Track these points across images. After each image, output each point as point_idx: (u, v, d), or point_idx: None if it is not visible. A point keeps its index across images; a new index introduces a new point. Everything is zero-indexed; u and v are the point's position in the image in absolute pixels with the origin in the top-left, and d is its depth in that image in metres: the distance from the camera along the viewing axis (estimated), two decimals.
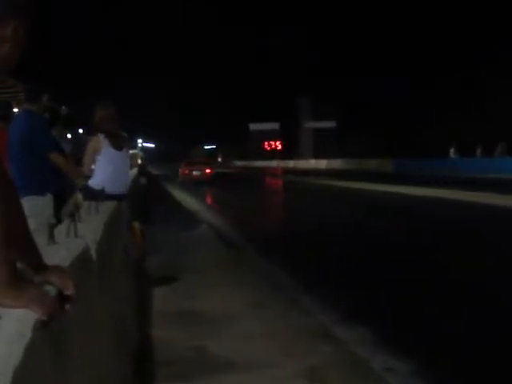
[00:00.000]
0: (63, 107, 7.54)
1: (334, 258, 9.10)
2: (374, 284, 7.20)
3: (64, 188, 5.72)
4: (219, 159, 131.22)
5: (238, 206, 19.10)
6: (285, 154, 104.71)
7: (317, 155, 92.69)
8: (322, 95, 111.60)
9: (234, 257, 8.99)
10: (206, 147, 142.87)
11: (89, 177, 5.93)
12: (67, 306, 1.58)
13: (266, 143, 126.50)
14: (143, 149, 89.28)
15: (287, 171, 50.21)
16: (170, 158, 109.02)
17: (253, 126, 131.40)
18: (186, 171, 37.82)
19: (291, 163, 78.42)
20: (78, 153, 7.27)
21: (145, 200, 16.46)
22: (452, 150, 38.43)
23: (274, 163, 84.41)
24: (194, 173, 37.43)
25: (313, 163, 70.07)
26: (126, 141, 6.26)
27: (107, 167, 5.86)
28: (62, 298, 1.57)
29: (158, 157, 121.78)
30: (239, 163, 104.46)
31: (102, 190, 5.20)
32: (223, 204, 20.50)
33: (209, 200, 23.23)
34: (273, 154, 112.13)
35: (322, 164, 64.51)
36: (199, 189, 28.46)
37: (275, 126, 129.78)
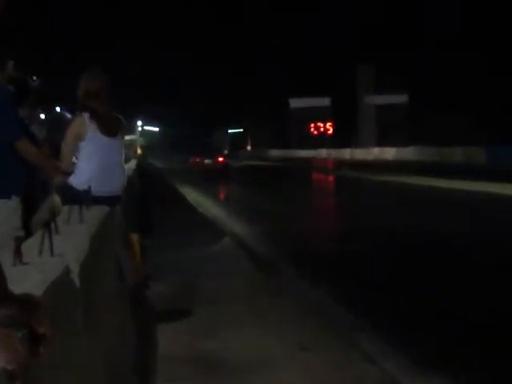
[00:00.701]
0: (34, 78, 7.57)
1: (397, 283, 9.10)
2: (448, 321, 7.23)
3: (35, 188, 5.72)
4: (248, 147, 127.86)
5: (273, 213, 19.09)
6: (338, 141, 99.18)
7: (381, 142, 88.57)
8: (388, 61, 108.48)
9: (268, 282, 8.97)
10: (229, 131, 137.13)
11: (69, 172, 5.94)
12: (42, 350, 1.55)
13: (313, 125, 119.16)
14: (144, 134, 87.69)
15: (341, 164, 49.64)
16: (181, 146, 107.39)
17: (294, 103, 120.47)
18: (197, 159, 45.78)
19: (347, 153, 77.09)
20: (55, 139, 7.30)
21: (147, 204, 16.54)
22: None
23: (323, 153, 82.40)
24: (206, 161, 45.09)
25: (376, 152, 69.27)
26: (120, 123, 6.26)
27: (94, 159, 5.87)
28: (34, 338, 1.54)
29: (164, 145, 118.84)
30: (275, 153, 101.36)
31: (88, 191, 5.19)
32: (252, 209, 20.50)
33: (232, 203, 23.32)
34: (321, 141, 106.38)
35: (389, 153, 64.06)
36: (219, 187, 28.62)
37: (325, 101, 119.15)
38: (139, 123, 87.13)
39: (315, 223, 17.14)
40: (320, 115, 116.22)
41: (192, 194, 25.23)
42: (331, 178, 38.82)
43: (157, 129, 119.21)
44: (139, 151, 44.51)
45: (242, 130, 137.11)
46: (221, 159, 45.03)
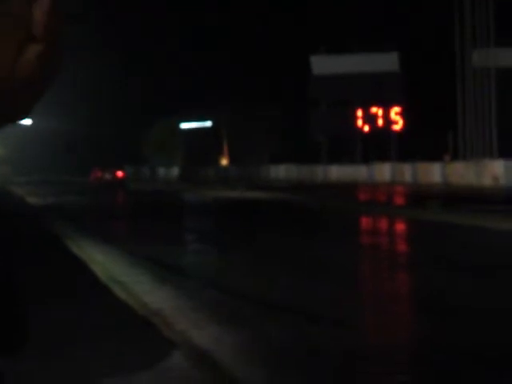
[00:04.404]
0: None
1: None
2: None
3: None
4: (224, 160, 72.40)
5: (283, 303, 8.61)
6: (414, 145, 50.24)
7: (508, 145, 42.55)
8: None
9: None
10: (182, 127, 77.73)
11: None
12: None
13: (361, 113, 56.39)
14: None
15: (425, 195, 29.09)
16: (78, 158, 64.85)
17: (321, 64, 57.66)
18: (99, 174, 47.39)
19: (435, 171, 41.66)
20: None
21: (9, 288, 2.12)
22: None
23: (383, 171, 45.88)
24: (106, 175, 47.32)
25: (499, 169, 37.56)
26: None
27: None
28: None
29: (42, 154, 71.71)
30: (281, 172, 58.70)
31: None
32: (226, 294, 9.46)
33: (183, 277, 11.16)
34: (380, 145, 53.52)
35: None
36: (161, 241, 15.55)
37: (387, 60, 56.29)
38: None
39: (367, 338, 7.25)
40: (377, 90, 54.65)
41: (99, 257, 12.86)
42: (402, 227, 19.83)
43: (27, 122, 67.92)
44: None
45: (210, 123, 75.71)
46: (120, 174, 39.11)
